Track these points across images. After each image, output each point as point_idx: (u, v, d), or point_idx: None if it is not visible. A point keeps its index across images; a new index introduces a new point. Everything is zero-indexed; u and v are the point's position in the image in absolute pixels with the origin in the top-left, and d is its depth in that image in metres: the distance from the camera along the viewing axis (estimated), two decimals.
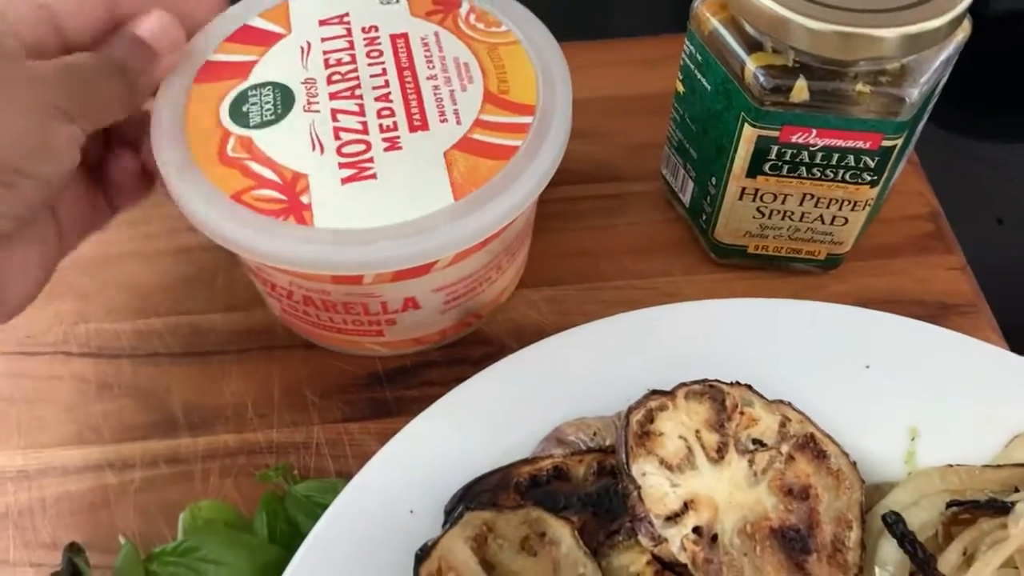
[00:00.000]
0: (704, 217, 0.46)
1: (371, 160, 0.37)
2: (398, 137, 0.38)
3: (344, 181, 0.37)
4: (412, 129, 0.38)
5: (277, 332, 0.46)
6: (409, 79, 0.40)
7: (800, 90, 0.37)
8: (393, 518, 0.36)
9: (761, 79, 0.38)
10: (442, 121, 0.38)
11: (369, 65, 0.40)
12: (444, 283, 0.40)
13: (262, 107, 0.39)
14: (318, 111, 0.39)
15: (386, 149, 0.37)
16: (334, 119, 0.38)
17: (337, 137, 0.38)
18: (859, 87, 0.37)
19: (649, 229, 0.50)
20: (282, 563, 0.35)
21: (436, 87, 0.39)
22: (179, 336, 0.46)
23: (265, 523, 0.38)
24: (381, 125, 0.38)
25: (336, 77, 0.40)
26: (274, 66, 0.40)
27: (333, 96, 0.39)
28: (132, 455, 0.43)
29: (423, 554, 0.32)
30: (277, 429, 0.43)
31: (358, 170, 0.37)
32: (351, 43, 0.41)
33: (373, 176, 0.37)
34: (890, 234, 0.49)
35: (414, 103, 0.39)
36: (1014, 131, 0.62)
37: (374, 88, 0.39)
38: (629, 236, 0.49)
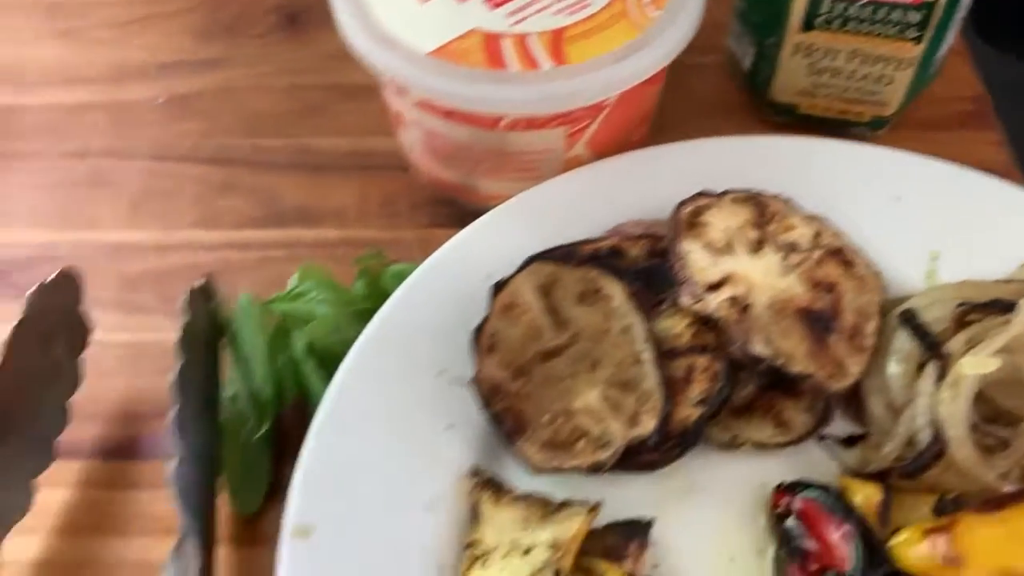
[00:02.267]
0: (762, 78, 0.51)
1: None
2: None
3: None
4: None
5: (376, 156, 0.53)
6: None
7: None
8: (470, 284, 0.42)
9: None
10: None
11: None
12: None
13: None
14: None
15: None
16: None
17: None
18: None
19: (710, 94, 0.55)
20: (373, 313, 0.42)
21: None
22: (291, 152, 0.54)
23: (364, 287, 0.45)
24: None
25: None
26: None
27: None
28: (250, 240, 0.50)
29: (499, 287, 0.38)
30: (374, 229, 0.50)
31: None
32: None
33: None
34: (935, 111, 0.53)
35: None
36: None
37: None
38: (692, 99, 0.55)
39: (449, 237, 0.45)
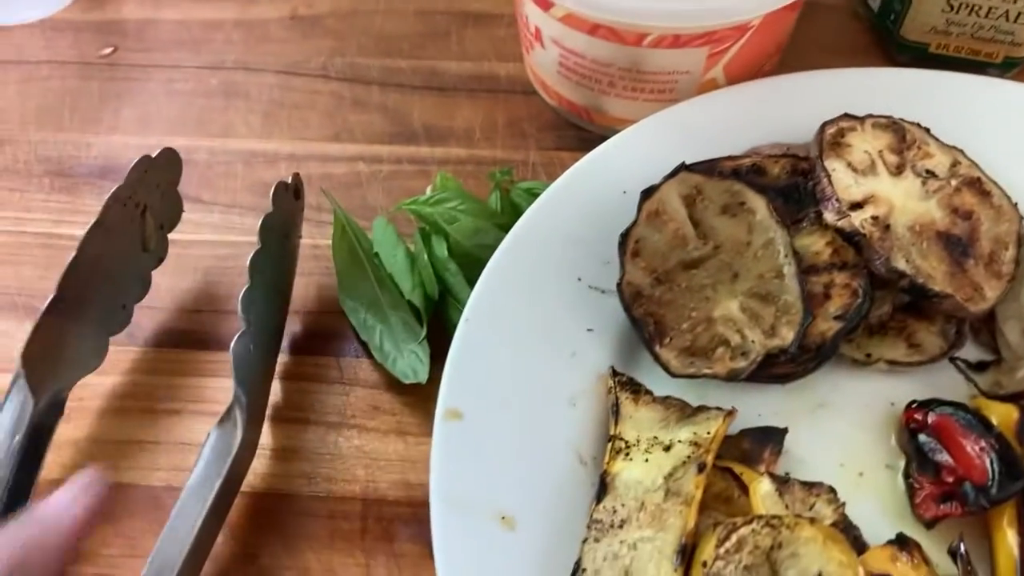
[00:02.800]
0: (892, 17, 0.51)
1: None
2: None
3: None
4: None
5: (500, 80, 0.54)
6: None
7: None
8: (607, 197, 0.43)
9: None
10: None
11: None
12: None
13: None
14: None
15: None
16: None
17: None
18: None
19: (836, 34, 0.55)
20: (509, 225, 0.43)
21: None
22: (419, 74, 0.55)
23: (498, 199, 0.46)
24: None
25: None
26: None
27: None
28: (380, 153, 0.52)
29: (647, 193, 0.39)
30: (500, 149, 0.51)
31: None
32: None
33: None
34: None
35: None
36: None
37: None
38: (819, 38, 0.55)
39: (575, 160, 0.46)
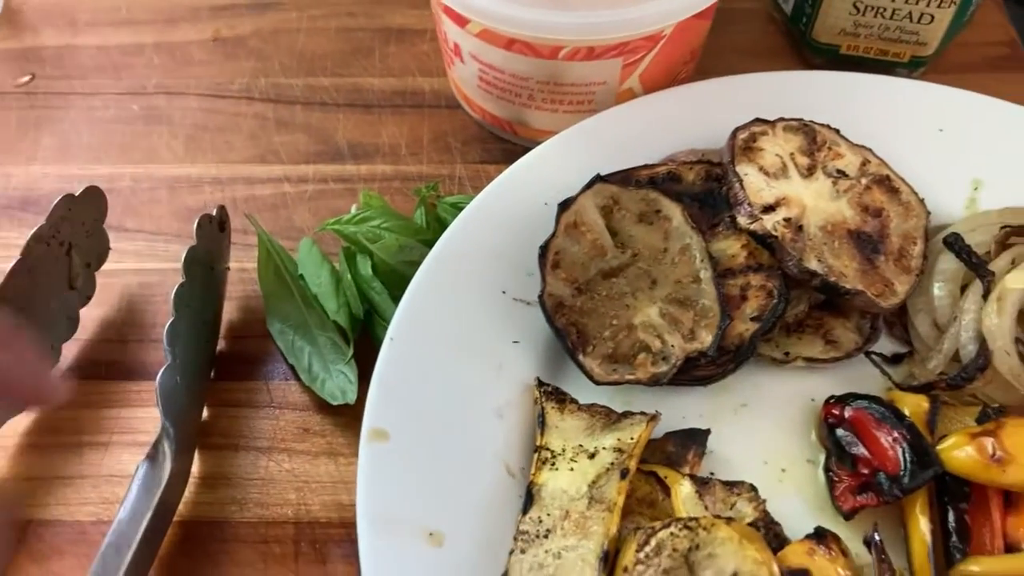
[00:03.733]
0: (804, 20, 0.52)
1: None
2: None
3: None
4: None
5: (425, 95, 0.55)
6: None
7: None
8: (529, 209, 0.44)
9: None
10: None
11: None
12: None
13: None
14: None
15: None
16: None
17: None
18: None
19: (752, 38, 0.56)
20: (434, 241, 0.43)
21: None
22: (343, 91, 0.55)
23: (423, 215, 0.46)
24: None
25: None
26: None
27: None
28: (306, 173, 0.51)
29: (564, 206, 0.40)
30: (426, 164, 0.52)
31: None
32: None
33: None
34: (970, 55, 0.55)
35: None
36: None
37: None
38: (736, 42, 0.56)
39: (499, 172, 0.46)
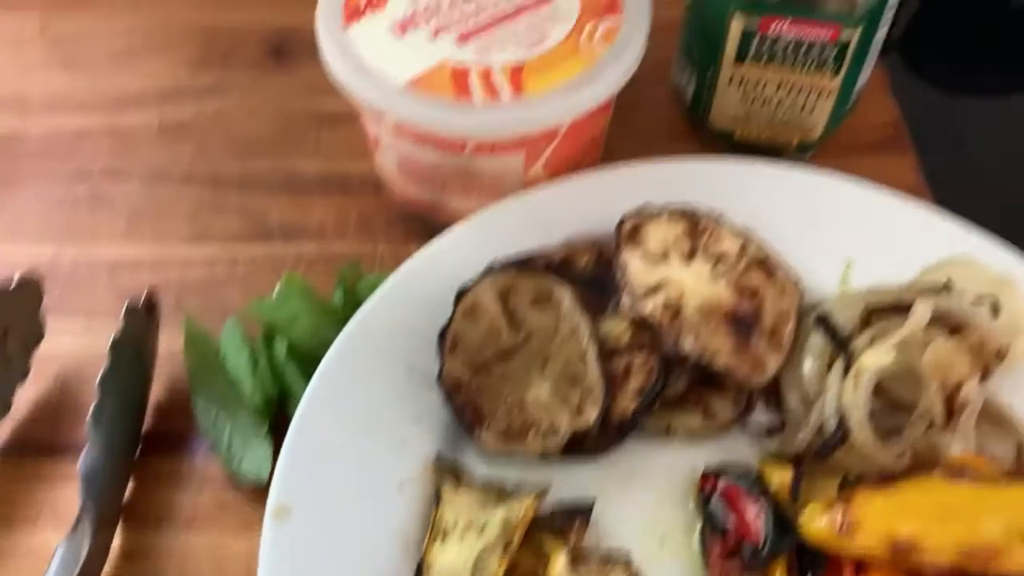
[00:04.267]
0: (702, 107, 0.57)
1: None
2: None
3: None
4: None
5: (354, 178, 0.58)
6: None
7: None
8: (438, 292, 0.47)
9: None
10: None
11: None
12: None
13: None
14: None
15: None
16: None
17: None
18: None
19: (656, 123, 0.60)
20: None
21: None
22: (277, 174, 0.59)
23: (341, 296, 0.50)
24: None
25: None
26: None
27: None
28: (236, 254, 0.55)
29: (462, 293, 0.43)
30: (350, 244, 0.55)
31: None
32: None
33: None
34: (855, 138, 0.59)
35: None
36: (986, 78, 0.71)
37: None
38: (639, 127, 0.60)
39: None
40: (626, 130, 0.60)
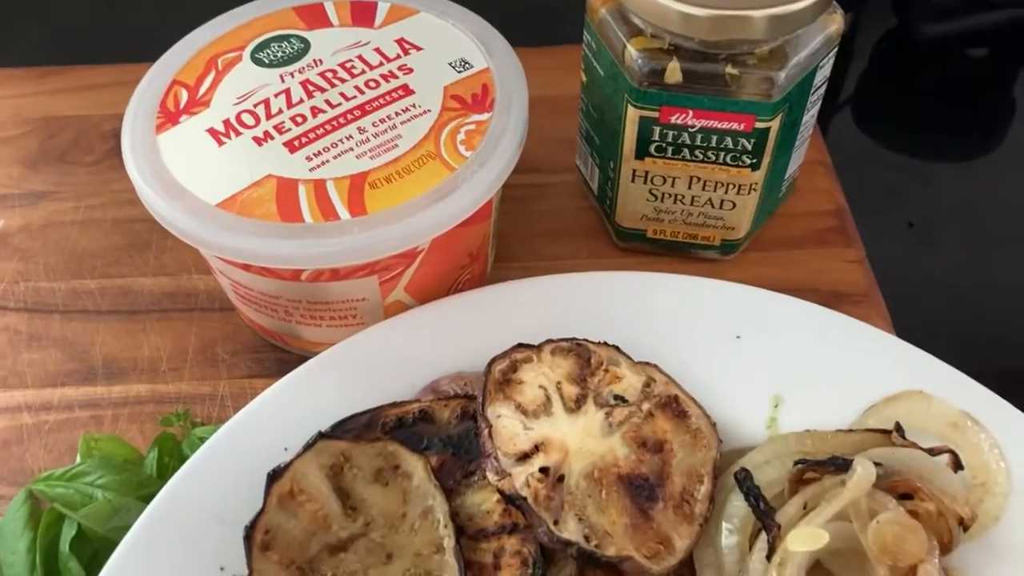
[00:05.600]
0: (608, 203, 0.48)
1: None
2: None
3: None
4: None
5: (199, 296, 0.49)
6: None
7: (673, 71, 0.40)
8: (267, 459, 0.38)
9: (639, 61, 0.40)
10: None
11: None
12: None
13: None
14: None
15: None
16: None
17: None
18: (729, 69, 0.39)
19: (562, 216, 0.52)
20: None
21: None
22: (109, 295, 0.49)
23: (155, 460, 0.40)
24: None
25: None
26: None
27: None
28: (50, 399, 0.45)
29: (275, 475, 0.34)
30: (187, 381, 0.46)
31: None
32: None
33: None
34: (793, 227, 0.51)
35: None
36: (939, 149, 0.64)
37: None
38: (542, 222, 0.52)
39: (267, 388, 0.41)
40: (527, 226, 0.51)
